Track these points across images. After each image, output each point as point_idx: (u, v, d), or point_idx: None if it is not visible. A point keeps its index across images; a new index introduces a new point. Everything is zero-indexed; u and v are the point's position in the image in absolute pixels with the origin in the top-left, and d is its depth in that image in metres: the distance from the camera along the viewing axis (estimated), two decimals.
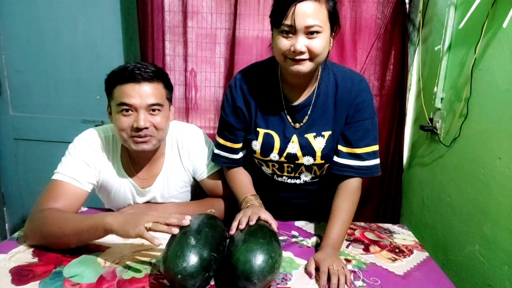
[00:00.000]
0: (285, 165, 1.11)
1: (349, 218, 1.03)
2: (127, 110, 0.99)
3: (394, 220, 2.00)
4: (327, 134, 1.06)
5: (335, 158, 1.08)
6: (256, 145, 1.09)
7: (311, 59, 0.92)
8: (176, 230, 0.83)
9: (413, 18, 1.84)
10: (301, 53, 0.90)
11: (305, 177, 1.14)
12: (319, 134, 1.06)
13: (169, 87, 1.08)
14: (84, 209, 1.20)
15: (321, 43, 0.90)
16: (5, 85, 2.04)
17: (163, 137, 1.09)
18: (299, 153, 1.07)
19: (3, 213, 2.24)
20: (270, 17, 0.95)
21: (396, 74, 1.89)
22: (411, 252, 1.05)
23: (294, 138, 1.06)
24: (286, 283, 0.87)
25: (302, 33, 0.89)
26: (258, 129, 1.08)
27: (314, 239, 1.10)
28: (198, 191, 1.30)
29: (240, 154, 1.14)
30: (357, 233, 1.15)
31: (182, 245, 0.79)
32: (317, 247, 1.04)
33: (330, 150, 1.07)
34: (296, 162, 1.09)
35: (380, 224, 1.23)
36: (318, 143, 1.06)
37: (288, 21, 0.88)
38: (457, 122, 1.42)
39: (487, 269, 1.21)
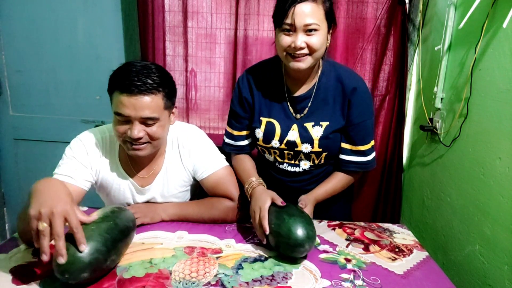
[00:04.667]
0: (286, 152, 1.18)
1: (339, 185, 1.19)
2: (122, 119, 0.99)
3: (394, 220, 2.00)
4: (324, 124, 1.14)
5: (341, 156, 1.19)
6: (259, 132, 1.18)
7: (310, 54, 1.02)
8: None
9: (413, 18, 1.84)
10: (301, 48, 1.00)
11: (305, 165, 1.21)
12: (317, 123, 1.14)
13: (170, 95, 1.04)
14: (84, 208, 1.20)
15: (318, 40, 1.00)
16: (5, 85, 2.04)
17: (160, 144, 1.08)
18: (298, 141, 1.15)
19: (3, 213, 2.24)
20: (272, 17, 1.04)
21: (394, 75, 1.90)
22: (411, 251, 1.05)
23: (294, 126, 1.15)
24: (287, 282, 0.87)
25: (301, 31, 0.99)
26: (261, 118, 1.18)
27: None
28: (198, 191, 1.30)
29: (245, 142, 1.25)
30: (357, 233, 1.15)
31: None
32: (317, 247, 1.05)
33: (326, 139, 1.15)
34: (296, 149, 1.17)
35: (380, 224, 1.23)
36: (316, 132, 1.14)
37: (288, 20, 0.98)
38: (457, 122, 1.42)
39: (487, 269, 1.21)
